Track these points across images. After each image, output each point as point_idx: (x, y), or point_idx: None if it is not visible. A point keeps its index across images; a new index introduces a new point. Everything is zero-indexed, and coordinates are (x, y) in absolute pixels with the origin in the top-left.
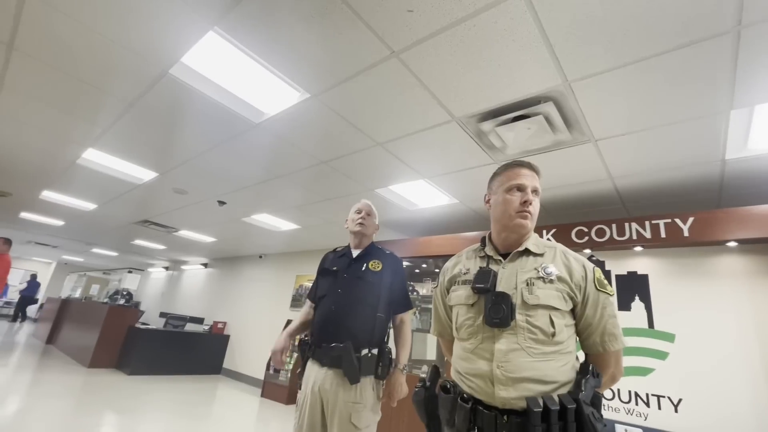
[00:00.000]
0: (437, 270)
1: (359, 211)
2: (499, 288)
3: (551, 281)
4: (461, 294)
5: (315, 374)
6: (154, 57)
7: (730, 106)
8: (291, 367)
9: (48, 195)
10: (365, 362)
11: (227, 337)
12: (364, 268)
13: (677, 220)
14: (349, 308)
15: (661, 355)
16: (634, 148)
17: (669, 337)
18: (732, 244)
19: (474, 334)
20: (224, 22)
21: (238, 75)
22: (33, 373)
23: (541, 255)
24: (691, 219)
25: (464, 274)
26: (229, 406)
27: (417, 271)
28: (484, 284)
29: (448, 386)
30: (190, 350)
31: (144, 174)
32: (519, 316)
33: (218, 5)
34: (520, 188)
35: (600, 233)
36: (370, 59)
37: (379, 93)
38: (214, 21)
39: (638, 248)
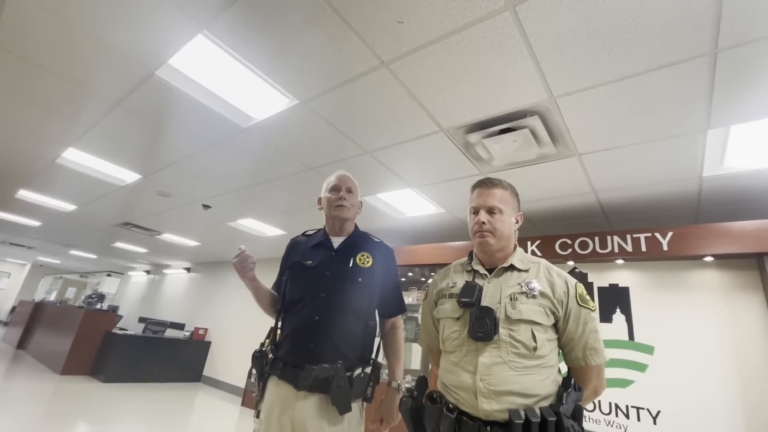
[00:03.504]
0: (423, 279)
1: (337, 189)
2: (484, 302)
3: (534, 296)
4: (448, 307)
5: (284, 400)
6: (140, 58)
7: (707, 126)
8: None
9: (25, 194)
10: (357, 384)
11: (208, 343)
12: (351, 264)
13: (657, 234)
14: (336, 318)
15: (641, 367)
16: (616, 162)
17: (648, 350)
18: (709, 258)
19: (459, 347)
20: (214, 25)
21: (226, 79)
22: (0, 380)
23: (526, 271)
24: (670, 233)
25: (451, 287)
26: (208, 415)
27: (403, 279)
28: (469, 298)
29: (435, 396)
30: (169, 357)
31: (127, 175)
32: (502, 330)
33: (208, 9)
34: (475, 210)
35: (583, 245)
36: (359, 68)
37: (368, 102)
38: (204, 24)
39: (620, 261)
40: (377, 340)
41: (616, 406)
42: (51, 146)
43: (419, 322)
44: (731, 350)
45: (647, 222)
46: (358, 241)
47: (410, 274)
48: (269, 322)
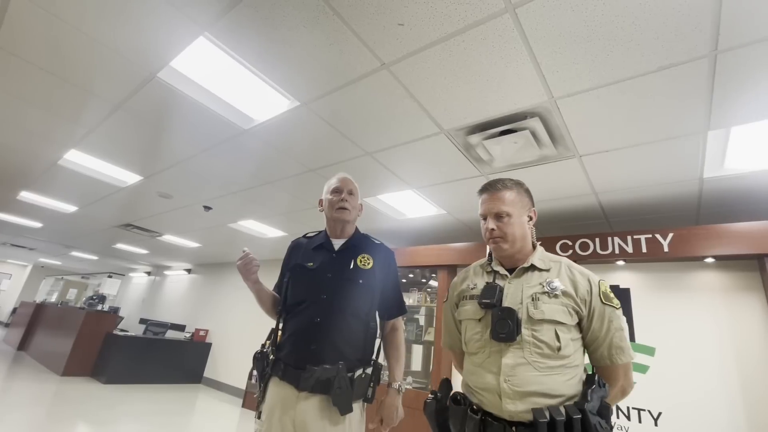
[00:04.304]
0: (424, 280)
1: (338, 191)
2: (505, 303)
3: (556, 296)
4: (469, 309)
5: (285, 401)
6: (142, 60)
7: (707, 127)
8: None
9: (26, 196)
10: (358, 385)
11: (209, 345)
12: (352, 266)
13: (657, 236)
14: (337, 319)
15: (642, 369)
16: (617, 164)
17: (650, 351)
18: (709, 260)
19: (482, 349)
20: (215, 28)
21: (227, 81)
22: (1, 381)
23: (547, 270)
24: (670, 235)
25: (472, 289)
26: (209, 417)
27: (404, 281)
28: (490, 299)
29: (459, 398)
30: (170, 358)
31: (128, 177)
32: (525, 331)
33: (209, 11)
34: (483, 217)
35: (584, 247)
36: (360, 70)
37: (369, 103)
38: (205, 27)
39: (620, 262)
40: (378, 341)
41: (617, 408)
42: (53, 148)
43: (420, 324)
44: (732, 351)
45: (648, 223)
46: (359, 242)
47: (411, 275)
48: (270, 323)
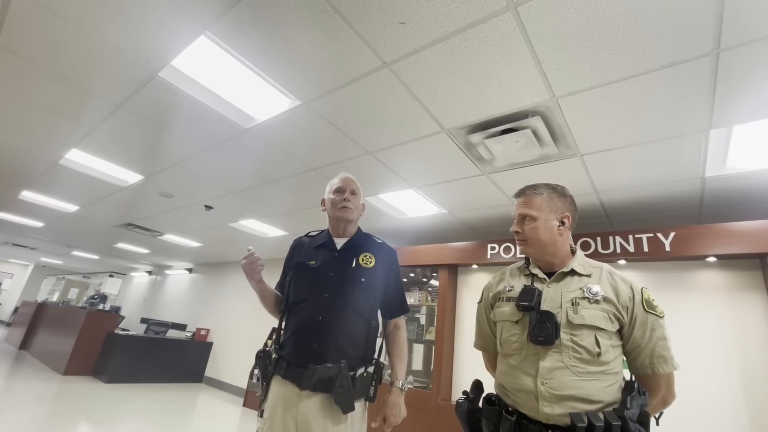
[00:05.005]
0: (425, 279)
1: (341, 191)
2: (544, 307)
3: (597, 301)
4: (506, 311)
5: (287, 399)
6: (143, 59)
7: (709, 126)
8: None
9: (28, 195)
10: (360, 384)
11: (210, 344)
12: (354, 265)
13: (659, 235)
14: (339, 318)
15: None
16: (618, 163)
17: None
18: (711, 259)
19: (518, 351)
20: (216, 27)
21: (229, 80)
22: (3, 381)
23: (588, 276)
24: (672, 234)
25: (508, 291)
26: (210, 416)
27: (405, 280)
28: (528, 302)
29: (493, 399)
30: (171, 357)
31: (129, 176)
32: (564, 335)
33: (210, 10)
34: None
35: (585, 246)
36: (361, 69)
37: (370, 102)
38: (206, 26)
39: (622, 262)
40: (380, 340)
41: None
42: (54, 147)
43: (421, 323)
44: (734, 351)
45: (649, 222)
46: (361, 241)
47: (412, 274)
48: (270, 323)
